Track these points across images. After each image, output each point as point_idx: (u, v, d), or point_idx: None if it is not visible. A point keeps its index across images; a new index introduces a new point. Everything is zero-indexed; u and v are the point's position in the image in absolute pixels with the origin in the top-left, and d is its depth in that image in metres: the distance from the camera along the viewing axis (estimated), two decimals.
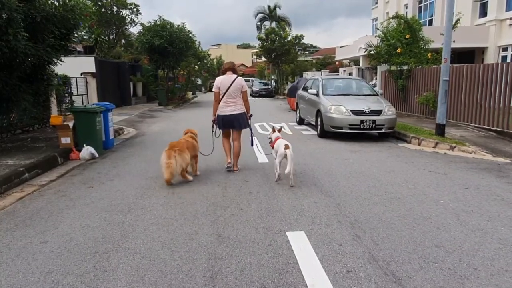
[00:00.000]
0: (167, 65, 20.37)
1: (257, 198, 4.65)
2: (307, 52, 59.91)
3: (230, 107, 5.84)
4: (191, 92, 36.14)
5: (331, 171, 6.05)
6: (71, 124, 7.62)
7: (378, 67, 16.54)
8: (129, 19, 24.28)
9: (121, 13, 23.65)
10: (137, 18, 24.32)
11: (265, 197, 4.69)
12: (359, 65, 26.66)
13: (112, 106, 8.49)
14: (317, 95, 10.12)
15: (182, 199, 4.62)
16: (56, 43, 7.76)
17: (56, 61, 8.24)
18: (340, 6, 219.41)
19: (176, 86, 27.41)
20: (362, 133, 8.98)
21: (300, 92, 12.40)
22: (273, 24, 37.91)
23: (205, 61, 29.40)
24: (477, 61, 20.07)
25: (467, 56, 20.32)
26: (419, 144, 8.38)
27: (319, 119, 9.63)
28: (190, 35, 20.92)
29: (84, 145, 7.22)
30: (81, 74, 15.06)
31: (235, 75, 5.90)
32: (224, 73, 5.95)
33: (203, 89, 48.49)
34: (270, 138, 5.84)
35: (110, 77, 17.99)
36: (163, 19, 19.96)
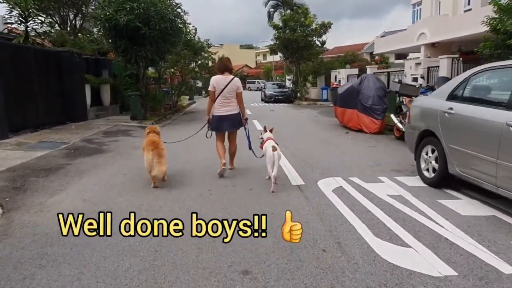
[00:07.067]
0: (142, 57, 12.59)
1: None
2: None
3: (226, 108, 5.79)
4: (188, 97, 28.34)
5: None
6: None
7: None
8: None
9: None
10: None
11: None
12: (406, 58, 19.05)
13: None
14: None
15: None
16: None
17: None
18: (346, 7, 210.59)
19: (164, 90, 19.73)
20: None
21: (451, 106, 4.75)
22: (288, 12, 30.33)
23: (204, 54, 21.14)
24: None
25: None
26: None
27: None
28: (179, 10, 13.22)
29: None
30: None
31: (232, 76, 5.85)
32: (221, 72, 5.81)
33: (203, 92, 39.20)
34: (261, 138, 5.57)
35: (37, 75, 10.38)
36: None
